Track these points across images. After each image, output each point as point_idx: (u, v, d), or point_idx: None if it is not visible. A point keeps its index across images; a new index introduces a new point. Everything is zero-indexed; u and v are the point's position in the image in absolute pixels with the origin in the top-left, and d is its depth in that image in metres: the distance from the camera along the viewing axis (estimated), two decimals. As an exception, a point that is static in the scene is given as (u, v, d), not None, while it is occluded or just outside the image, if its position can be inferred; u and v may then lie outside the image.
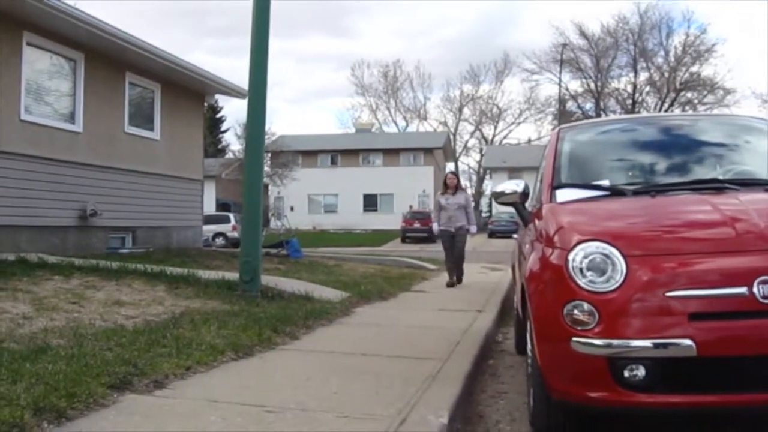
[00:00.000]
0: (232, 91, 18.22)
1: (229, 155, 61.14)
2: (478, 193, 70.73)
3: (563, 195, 4.50)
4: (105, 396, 4.02)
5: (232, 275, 9.15)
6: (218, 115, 66.41)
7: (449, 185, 12.46)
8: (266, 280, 9.06)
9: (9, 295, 7.26)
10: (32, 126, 12.13)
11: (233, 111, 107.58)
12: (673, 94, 57.35)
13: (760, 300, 3.30)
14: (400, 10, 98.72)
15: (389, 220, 53.12)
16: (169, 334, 5.76)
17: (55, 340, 5.37)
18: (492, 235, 46.69)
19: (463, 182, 71.56)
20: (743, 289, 3.33)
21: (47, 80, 12.96)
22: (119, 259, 10.87)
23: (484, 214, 63.18)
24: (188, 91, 17.37)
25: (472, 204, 12.92)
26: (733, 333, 3.35)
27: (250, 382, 4.68)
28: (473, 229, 12.47)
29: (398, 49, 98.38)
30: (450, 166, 65.02)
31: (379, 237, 43.08)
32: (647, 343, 3.36)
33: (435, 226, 12.67)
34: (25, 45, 12.00)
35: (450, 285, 12.09)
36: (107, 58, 14.04)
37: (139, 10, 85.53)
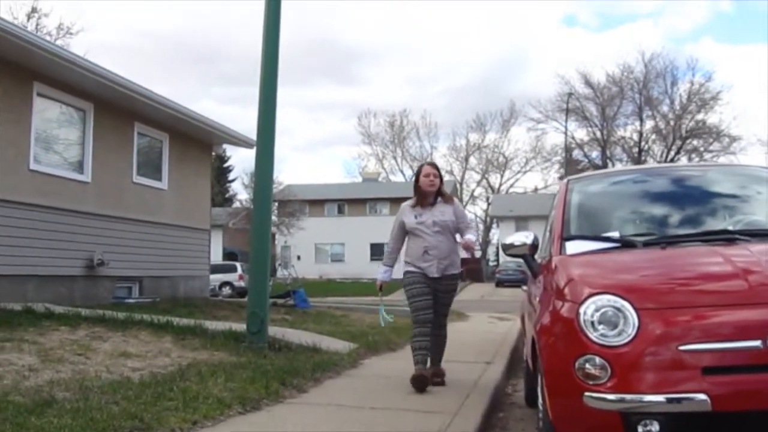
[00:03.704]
0: (240, 141, 18.32)
1: (237, 204, 61.38)
2: (485, 242, 70.61)
3: (573, 247, 4.48)
4: (110, 451, 3.97)
5: (239, 326, 9.10)
6: (226, 165, 66.76)
7: (425, 191, 6.87)
8: (273, 331, 9.00)
9: (15, 346, 7.22)
10: (41, 176, 12.18)
11: (241, 160, 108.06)
12: (679, 142, 57.53)
13: (774, 353, 3.26)
14: (408, 58, 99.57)
15: (396, 269, 52.94)
16: (176, 386, 5.71)
17: (60, 392, 5.32)
18: (500, 284, 46.59)
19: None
20: (757, 342, 3.30)
21: (56, 130, 13.06)
22: (126, 310, 10.82)
23: (491, 263, 63.08)
24: (196, 141, 17.47)
25: (469, 220, 7.64)
26: (748, 387, 3.30)
27: (257, 437, 4.63)
28: (470, 239, 7.04)
29: (406, 97, 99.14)
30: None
31: (387, 286, 42.63)
32: (661, 398, 3.32)
33: (381, 274, 7.27)
34: (36, 95, 12.11)
35: (416, 381, 6.43)
36: (116, 108, 14.15)
37: (147, 58, 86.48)
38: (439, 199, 6.93)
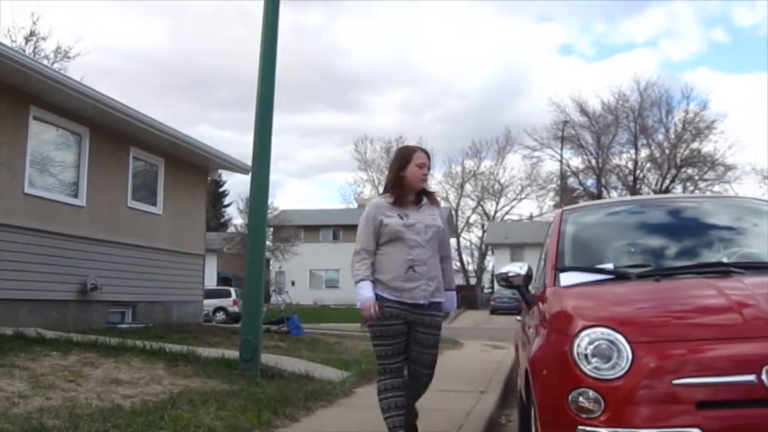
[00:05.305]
0: (235, 167, 18.36)
1: (232, 229, 61.28)
2: (480, 270, 70.51)
3: (567, 278, 4.45)
4: (99, 481, 3.93)
5: (232, 353, 9.05)
6: (221, 189, 66.82)
7: (413, 185, 5.01)
8: (266, 358, 8.95)
9: (6, 372, 7.16)
10: (35, 199, 12.17)
11: (236, 184, 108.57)
12: (674, 171, 57.70)
13: (769, 388, 3.24)
14: (404, 85, 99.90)
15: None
16: (167, 415, 5.67)
17: (50, 420, 5.28)
18: (494, 311, 46.47)
19: (465, 258, 71.45)
20: (751, 377, 3.28)
21: (52, 154, 13.07)
22: (118, 335, 10.77)
23: (486, 291, 62.98)
24: (192, 166, 17.48)
25: (450, 239, 5.90)
26: (742, 422, 3.29)
27: (248, 467, 4.58)
28: (452, 303, 5.20)
29: (402, 123, 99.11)
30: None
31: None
32: (655, 432, 3.29)
33: (366, 291, 4.83)
34: (32, 119, 12.12)
35: None
36: (112, 132, 14.17)
37: (144, 82, 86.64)
38: (424, 199, 5.12)
